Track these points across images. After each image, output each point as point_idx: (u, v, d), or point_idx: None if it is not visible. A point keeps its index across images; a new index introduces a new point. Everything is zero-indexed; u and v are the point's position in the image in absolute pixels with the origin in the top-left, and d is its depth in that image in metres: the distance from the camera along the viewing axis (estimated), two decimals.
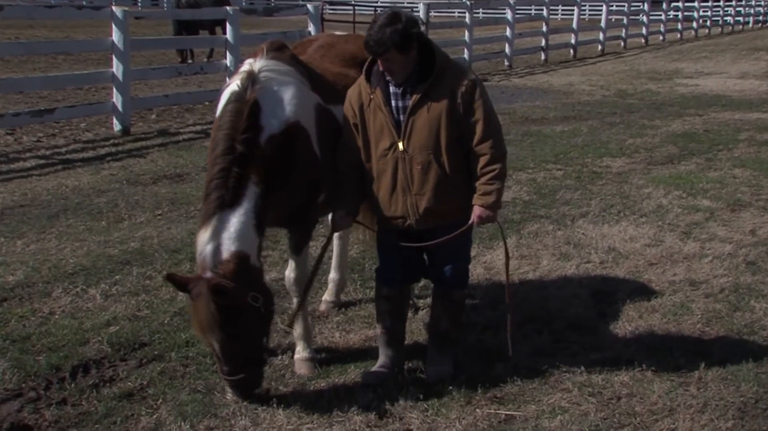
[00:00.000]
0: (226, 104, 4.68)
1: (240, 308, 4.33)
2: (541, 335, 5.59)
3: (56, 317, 5.85)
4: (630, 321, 5.79)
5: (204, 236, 4.39)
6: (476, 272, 6.72)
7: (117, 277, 6.59)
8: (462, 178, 4.70)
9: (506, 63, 23.92)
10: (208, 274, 4.32)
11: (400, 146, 4.63)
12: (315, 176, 4.89)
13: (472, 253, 6.85)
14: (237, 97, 4.63)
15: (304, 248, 5.05)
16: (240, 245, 4.39)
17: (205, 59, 22.31)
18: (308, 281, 5.05)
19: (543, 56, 25.71)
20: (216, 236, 4.37)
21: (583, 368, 5.06)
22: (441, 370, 4.91)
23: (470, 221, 4.72)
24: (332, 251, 6.19)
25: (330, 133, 4.93)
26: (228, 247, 4.37)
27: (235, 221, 4.41)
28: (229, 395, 4.63)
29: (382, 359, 5.03)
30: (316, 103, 4.95)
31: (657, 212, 8.61)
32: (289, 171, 4.71)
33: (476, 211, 4.70)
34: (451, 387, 4.81)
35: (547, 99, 17.71)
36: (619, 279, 6.66)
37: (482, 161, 4.64)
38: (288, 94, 4.75)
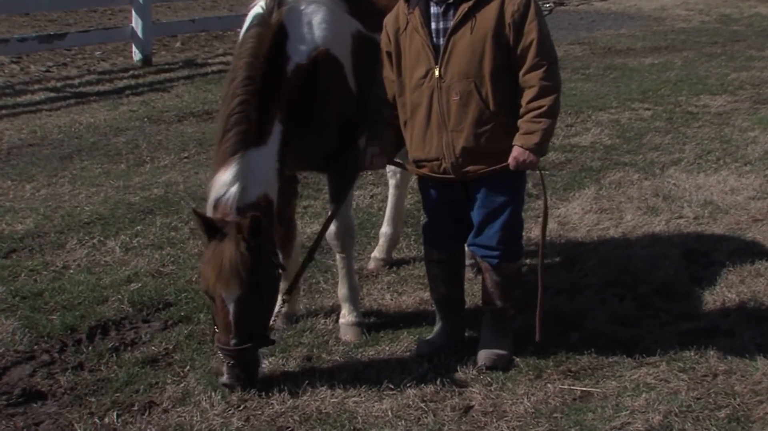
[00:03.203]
0: (248, 28, 4.67)
1: (266, 258, 4.34)
2: (623, 301, 5.56)
3: (71, 271, 5.98)
4: (729, 287, 5.72)
5: (225, 177, 4.35)
6: (549, 227, 6.65)
7: (138, 227, 6.69)
8: (508, 115, 4.60)
9: None
10: (232, 217, 4.31)
11: (437, 72, 4.57)
12: (349, 114, 4.87)
13: None
14: (260, 21, 4.62)
15: (344, 196, 5.04)
16: (267, 189, 4.41)
17: None
18: (312, 246, 5.02)
19: None
20: (242, 176, 4.34)
21: (672, 339, 5.03)
22: (496, 355, 4.82)
23: (504, 164, 4.59)
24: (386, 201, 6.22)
25: (372, 65, 4.90)
26: (255, 189, 4.37)
27: (262, 161, 4.41)
28: (225, 379, 4.46)
29: (439, 326, 5.05)
30: (355, 31, 4.92)
31: (764, 159, 8.45)
32: (316, 107, 4.70)
33: (514, 152, 4.57)
34: (518, 359, 4.82)
35: (635, 26, 17.38)
36: (716, 238, 6.58)
37: (529, 94, 4.54)
38: (317, 18, 4.74)
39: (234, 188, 4.34)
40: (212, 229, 4.32)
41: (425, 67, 4.61)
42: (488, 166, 4.63)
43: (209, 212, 4.39)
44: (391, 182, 6.27)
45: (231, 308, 4.32)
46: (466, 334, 5.09)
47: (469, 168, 4.66)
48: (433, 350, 4.89)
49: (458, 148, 4.63)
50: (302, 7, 4.73)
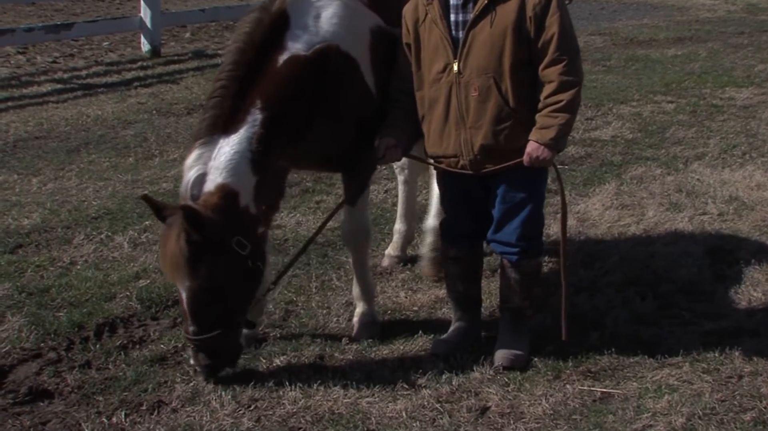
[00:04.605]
0: (249, 14, 4.67)
1: (218, 250, 4.31)
2: (645, 300, 5.55)
3: (78, 267, 6.01)
4: (755, 285, 5.70)
5: (188, 162, 4.39)
6: (568, 223, 6.64)
7: (147, 223, 6.70)
8: (528, 112, 4.58)
9: None
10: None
11: (455, 67, 4.56)
12: (366, 113, 4.83)
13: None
14: (261, 7, 4.61)
15: (359, 197, 5.02)
16: (228, 178, 4.36)
17: None
18: (307, 241, 5.03)
19: None
20: (202, 162, 4.36)
21: (695, 339, 5.02)
22: (514, 355, 4.82)
23: (519, 160, 4.57)
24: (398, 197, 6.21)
25: (394, 60, 4.88)
26: (214, 178, 4.35)
27: (226, 149, 4.37)
28: (190, 365, 4.58)
29: (455, 325, 5.05)
30: (374, 26, 4.88)
31: None
32: (325, 104, 4.65)
33: (528, 147, 4.55)
34: (536, 359, 4.82)
35: (658, 16, 17.32)
36: (741, 235, 6.56)
37: (548, 89, 4.52)
38: (328, 11, 4.69)
39: (191, 174, 4.36)
40: (161, 215, 4.37)
41: (443, 62, 4.60)
42: (507, 163, 4.61)
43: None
44: (400, 177, 6.24)
45: (183, 296, 4.38)
46: (483, 333, 5.09)
47: (488, 165, 4.66)
48: (449, 349, 4.89)
49: (477, 145, 4.61)
50: (312, 0, 4.70)
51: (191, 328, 4.42)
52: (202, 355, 4.48)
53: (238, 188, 4.40)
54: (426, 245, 5.93)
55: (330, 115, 4.71)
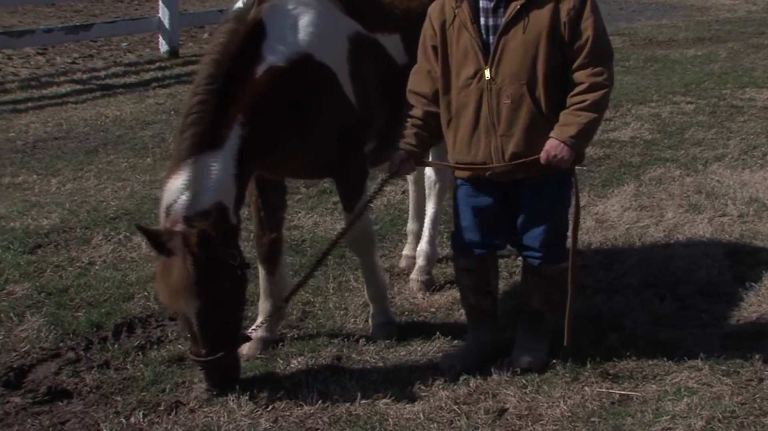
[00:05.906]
0: (223, 23, 4.57)
1: (221, 267, 4.29)
2: (663, 301, 5.53)
3: (96, 267, 6.04)
4: None
5: (178, 183, 4.25)
6: (586, 224, 6.66)
7: None
8: None
9: None
10: (181, 227, 4.23)
11: (487, 73, 4.47)
12: (345, 121, 4.73)
13: (582, 202, 6.81)
14: (236, 16, 4.51)
15: (354, 202, 4.92)
16: (220, 196, 4.30)
17: None
18: (322, 254, 4.98)
19: None
20: (194, 183, 4.25)
21: (715, 342, 5.00)
22: (533, 357, 4.79)
23: (536, 156, 4.48)
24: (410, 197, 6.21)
25: (375, 70, 4.82)
26: (209, 197, 4.27)
27: (216, 166, 4.29)
28: (203, 385, 4.55)
29: (469, 338, 4.96)
30: (353, 33, 4.78)
31: None
32: (300, 114, 4.57)
33: (546, 144, 4.46)
34: (554, 361, 4.81)
35: (677, 16, 17.26)
36: (762, 236, 6.53)
37: (576, 89, 4.46)
38: (304, 20, 4.59)
39: (185, 196, 4.25)
40: (159, 243, 4.26)
41: (474, 67, 4.50)
42: (537, 171, 4.52)
43: (161, 218, 4.32)
44: (409, 177, 6.18)
45: (194, 321, 4.33)
46: (501, 337, 5.05)
47: (519, 174, 4.58)
48: (458, 365, 4.74)
49: (507, 153, 4.53)
50: (289, 7, 4.59)
51: (203, 350, 4.38)
52: (216, 375, 4.47)
53: (228, 204, 4.37)
54: (416, 269, 5.87)
55: (304, 125, 4.61)
